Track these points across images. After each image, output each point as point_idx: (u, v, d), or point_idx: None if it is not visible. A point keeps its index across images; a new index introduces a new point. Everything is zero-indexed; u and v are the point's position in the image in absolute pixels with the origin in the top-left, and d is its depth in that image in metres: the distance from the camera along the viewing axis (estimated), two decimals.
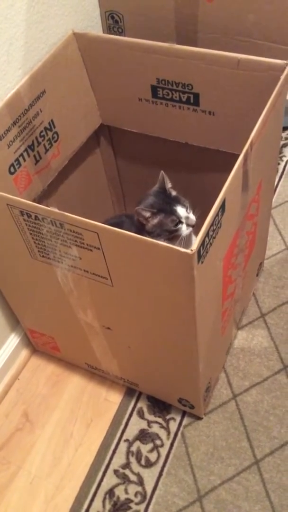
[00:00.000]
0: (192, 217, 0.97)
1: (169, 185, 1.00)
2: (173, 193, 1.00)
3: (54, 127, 1.02)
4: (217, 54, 0.90)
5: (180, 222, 0.95)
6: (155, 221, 0.95)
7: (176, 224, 0.95)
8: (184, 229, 0.95)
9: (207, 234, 0.69)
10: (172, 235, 0.96)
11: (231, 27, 1.06)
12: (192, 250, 0.66)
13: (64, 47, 0.99)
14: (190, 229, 0.96)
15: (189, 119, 1.01)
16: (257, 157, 0.83)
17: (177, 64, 0.95)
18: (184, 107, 1.00)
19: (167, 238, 0.96)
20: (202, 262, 0.70)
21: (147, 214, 0.94)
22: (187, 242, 0.96)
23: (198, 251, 0.67)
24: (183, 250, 0.66)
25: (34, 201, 1.02)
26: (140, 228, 0.97)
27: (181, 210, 0.96)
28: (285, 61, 0.85)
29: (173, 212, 0.95)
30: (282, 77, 0.84)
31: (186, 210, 0.97)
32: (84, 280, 0.84)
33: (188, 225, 0.96)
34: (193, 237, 0.98)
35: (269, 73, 0.87)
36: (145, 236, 0.71)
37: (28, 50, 0.98)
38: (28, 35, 0.96)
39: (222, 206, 0.72)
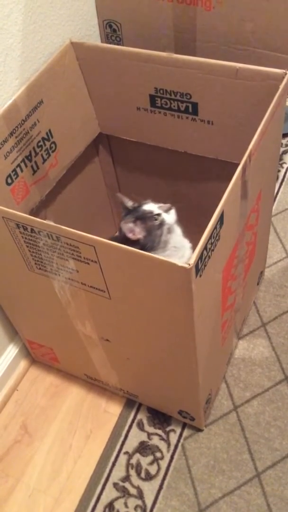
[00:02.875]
0: (162, 204, 1.00)
1: (130, 203, 1.02)
2: (136, 204, 1.02)
3: (52, 137, 1.01)
4: (215, 63, 0.90)
5: (157, 214, 0.97)
6: (139, 230, 0.95)
7: (156, 219, 0.96)
8: (167, 215, 0.97)
9: (205, 248, 0.68)
10: (166, 233, 0.97)
11: (229, 35, 1.05)
12: (189, 264, 0.65)
13: (62, 57, 0.98)
14: (172, 212, 0.98)
15: (188, 128, 1.01)
16: (256, 167, 0.82)
17: (176, 74, 0.94)
18: (182, 116, 1.00)
19: (165, 241, 0.97)
20: (200, 276, 0.69)
21: (130, 224, 0.94)
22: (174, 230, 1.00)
23: (196, 265, 0.66)
24: (180, 264, 0.65)
25: (32, 211, 1.01)
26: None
27: (149, 206, 0.99)
28: (284, 70, 0.84)
29: (146, 212, 0.98)
30: (281, 87, 0.83)
31: (152, 203, 1.00)
32: (82, 292, 0.83)
33: (166, 211, 0.98)
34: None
35: (268, 82, 0.86)
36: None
37: (25, 60, 0.97)
38: (25, 45, 0.96)
39: (221, 219, 0.71)
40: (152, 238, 0.95)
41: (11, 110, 0.89)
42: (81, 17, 1.10)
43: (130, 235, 0.93)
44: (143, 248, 0.94)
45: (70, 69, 1.01)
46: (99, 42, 1.20)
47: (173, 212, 0.99)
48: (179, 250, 1.00)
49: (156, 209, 0.99)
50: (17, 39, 0.94)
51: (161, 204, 1.00)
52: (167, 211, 0.98)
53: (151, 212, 0.97)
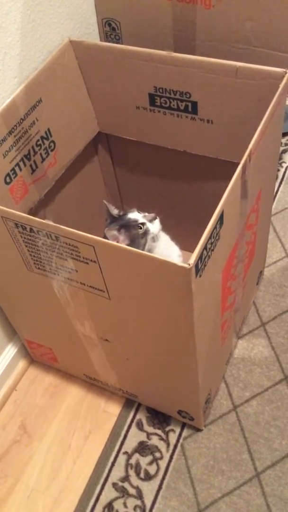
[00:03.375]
0: (147, 214, 1.01)
1: (115, 211, 1.03)
2: (121, 212, 1.03)
3: (51, 136, 1.00)
4: (215, 62, 0.89)
5: (142, 223, 0.97)
6: (123, 238, 0.96)
7: (141, 227, 0.97)
8: (151, 225, 0.98)
9: (205, 248, 0.68)
10: (151, 242, 0.98)
11: (229, 34, 1.05)
12: (189, 264, 0.64)
13: (61, 55, 0.98)
14: (157, 222, 0.99)
15: (187, 128, 1.00)
16: (256, 167, 0.81)
17: (175, 72, 0.93)
18: (182, 115, 0.99)
19: (148, 250, 0.98)
20: (200, 276, 0.69)
21: (114, 232, 0.95)
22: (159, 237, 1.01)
23: (196, 265, 0.66)
24: (180, 264, 0.65)
25: (31, 210, 1.01)
26: None
27: (134, 215, 0.99)
28: (284, 69, 0.84)
29: (130, 221, 0.98)
30: (281, 86, 0.83)
31: (138, 212, 1.01)
32: (81, 292, 0.83)
33: (150, 221, 0.99)
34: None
35: (268, 81, 0.86)
36: None
37: (24, 58, 0.97)
38: (23, 44, 0.95)
39: (220, 219, 0.71)
40: (135, 247, 0.95)
41: (9, 108, 0.89)
42: (80, 16, 1.10)
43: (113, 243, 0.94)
44: None
45: (69, 67, 1.00)
46: (98, 40, 1.20)
47: (157, 222, 1.00)
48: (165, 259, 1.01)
49: (140, 218, 0.99)
50: (15, 37, 0.93)
51: (146, 214, 1.01)
52: (151, 220, 0.99)
53: (135, 221, 0.98)
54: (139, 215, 1.00)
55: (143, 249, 0.96)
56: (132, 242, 0.96)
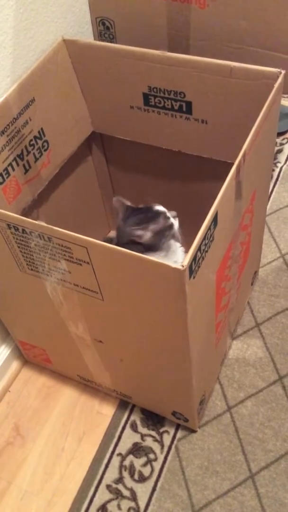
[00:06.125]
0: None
1: (127, 202, 1.03)
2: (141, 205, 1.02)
3: (44, 136, 1.00)
4: (209, 62, 0.89)
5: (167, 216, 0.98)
6: (148, 234, 0.94)
7: (169, 218, 0.97)
8: (175, 221, 0.99)
9: (198, 249, 0.67)
10: (170, 238, 0.98)
11: (223, 34, 1.05)
12: (183, 266, 0.64)
13: (54, 54, 0.97)
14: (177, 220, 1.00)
15: (182, 128, 1.00)
16: (250, 167, 0.81)
17: (169, 72, 0.93)
18: (176, 115, 0.99)
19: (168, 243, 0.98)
20: (194, 277, 0.68)
21: (139, 232, 0.95)
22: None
23: (190, 266, 0.65)
24: (174, 265, 0.64)
25: (23, 211, 1.00)
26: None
27: (160, 207, 0.99)
28: (279, 69, 0.83)
29: (158, 212, 0.97)
30: (276, 86, 0.83)
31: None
32: (74, 293, 0.82)
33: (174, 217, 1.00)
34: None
35: (263, 81, 0.86)
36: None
37: (17, 57, 0.96)
38: (16, 43, 0.95)
39: (214, 220, 0.70)
40: (159, 239, 0.96)
41: (2, 108, 0.88)
42: (74, 14, 1.09)
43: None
44: (150, 248, 0.96)
45: (63, 66, 0.99)
46: (91, 39, 1.19)
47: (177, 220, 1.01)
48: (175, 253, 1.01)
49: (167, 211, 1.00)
50: (8, 36, 0.93)
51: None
52: (174, 217, 1.00)
53: (162, 211, 0.98)
54: (163, 208, 1.01)
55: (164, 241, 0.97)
56: (157, 235, 0.97)
